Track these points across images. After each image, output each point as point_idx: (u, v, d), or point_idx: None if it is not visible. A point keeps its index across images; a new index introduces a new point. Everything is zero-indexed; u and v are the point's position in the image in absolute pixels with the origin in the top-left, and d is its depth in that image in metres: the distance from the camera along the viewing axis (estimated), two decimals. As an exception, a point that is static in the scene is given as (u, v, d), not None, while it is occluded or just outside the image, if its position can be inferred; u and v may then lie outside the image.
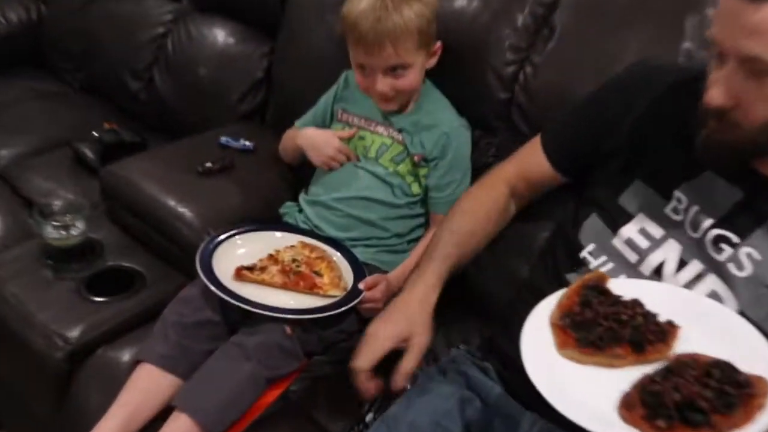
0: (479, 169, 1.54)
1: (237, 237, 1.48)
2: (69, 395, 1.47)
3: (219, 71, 2.02)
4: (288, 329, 1.33)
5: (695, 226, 1.09)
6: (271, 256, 1.43)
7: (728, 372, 0.91)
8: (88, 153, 1.91)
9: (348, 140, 1.55)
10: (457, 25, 1.51)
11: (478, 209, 1.33)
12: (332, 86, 1.64)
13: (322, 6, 1.79)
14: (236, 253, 1.44)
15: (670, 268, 1.10)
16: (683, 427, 0.87)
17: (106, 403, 1.32)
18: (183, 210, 1.60)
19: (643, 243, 1.12)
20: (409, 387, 1.16)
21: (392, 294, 1.42)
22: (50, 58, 2.45)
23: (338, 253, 1.48)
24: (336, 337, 1.42)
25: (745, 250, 1.05)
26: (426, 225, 1.56)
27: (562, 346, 0.98)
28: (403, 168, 1.50)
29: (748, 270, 1.05)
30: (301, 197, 1.61)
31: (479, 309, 1.46)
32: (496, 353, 1.22)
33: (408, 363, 1.17)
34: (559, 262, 1.20)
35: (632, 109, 1.18)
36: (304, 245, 1.48)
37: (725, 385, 0.89)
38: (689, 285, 1.08)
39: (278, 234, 1.51)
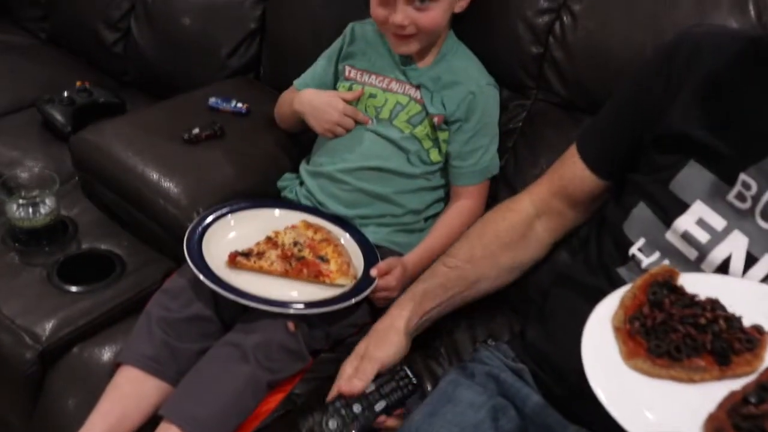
0: (506, 135, 1.51)
1: (230, 216, 1.42)
2: (41, 401, 1.41)
3: (206, 21, 1.94)
4: (291, 325, 1.27)
5: None
6: (269, 239, 1.37)
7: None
8: (58, 116, 1.84)
9: (356, 102, 1.45)
10: None
11: (486, 233, 1.27)
12: (336, 41, 1.53)
13: None
14: (229, 235, 1.39)
15: (737, 265, 1.03)
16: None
17: (84, 409, 1.27)
18: (168, 184, 1.51)
19: (703, 236, 1.05)
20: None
21: (408, 281, 1.37)
22: (12, 4, 2.36)
23: (346, 234, 1.42)
24: (345, 332, 1.37)
25: None
26: (446, 199, 1.49)
27: (630, 355, 0.90)
28: (420, 131, 1.42)
29: None
30: (302, 168, 1.53)
31: (507, 298, 1.39)
32: (530, 353, 1.17)
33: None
34: (605, 254, 1.14)
35: (680, 88, 1.11)
36: (307, 225, 1.41)
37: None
38: None
39: (277, 212, 1.45)
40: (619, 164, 1.18)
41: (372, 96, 1.44)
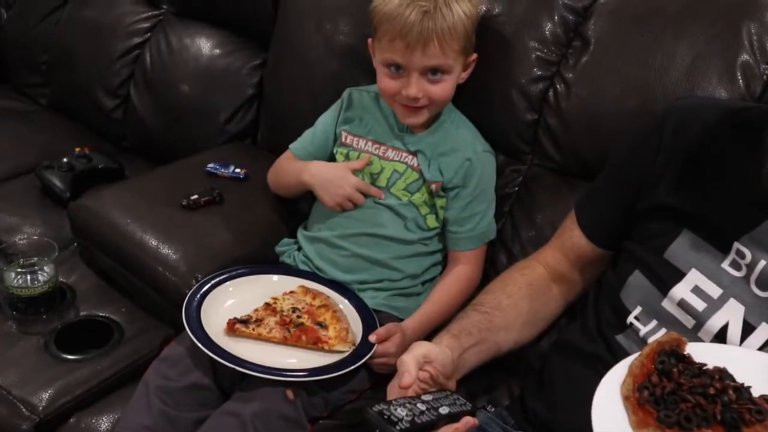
0: (503, 199, 1.51)
1: (228, 282, 1.42)
2: (38, 473, 1.38)
3: (204, 87, 1.96)
4: (290, 393, 1.26)
5: (764, 283, 1.02)
6: (267, 305, 1.37)
7: None
8: (57, 182, 1.84)
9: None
10: (477, 35, 1.42)
11: (507, 285, 1.26)
12: (333, 106, 1.55)
13: (320, 13, 1.72)
14: (228, 302, 1.39)
15: (734, 333, 1.03)
16: None
17: (81, 483, 1.25)
18: (166, 251, 1.51)
19: (699, 305, 1.06)
20: None
21: (407, 347, 1.32)
22: (13, 71, 2.39)
23: (345, 300, 1.42)
24: (344, 398, 1.35)
25: None
26: (443, 263, 1.49)
27: (640, 425, 0.89)
28: (418, 197, 1.43)
29: None
30: (300, 233, 1.53)
31: (505, 361, 1.36)
32: (531, 420, 1.17)
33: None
34: (603, 322, 1.14)
35: (668, 160, 1.12)
36: (306, 291, 1.41)
37: None
38: None
39: (275, 277, 1.45)
40: (616, 233, 1.19)
41: (369, 164, 1.44)
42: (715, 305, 1.04)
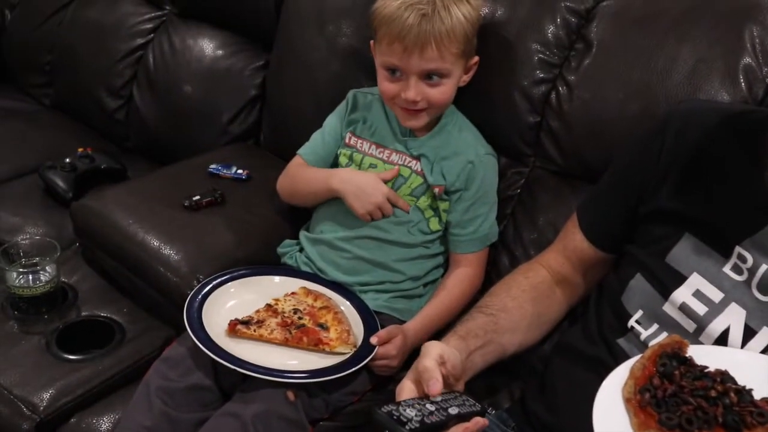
0: (505, 202, 1.51)
1: (230, 283, 1.42)
2: (39, 473, 1.38)
3: (207, 88, 1.96)
4: (290, 394, 1.26)
5: (765, 287, 1.02)
6: (269, 306, 1.37)
7: None
8: (60, 182, 1.83)
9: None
10: (479, 38, 1.42)
11: (511, 288, 1.25)
12: (338, 108, 1.55)
13: (323, 15, 1.73)
14: (229, 303, 1.39)
15: (735, 337, 1.04)
16: None
17: (81, 483, 1.27)
18: (168, 252, 1.51)
19: (701, 309, 1.06)
20: None
21: (409, 350, 1.38)
22: (17, 71, 2.38)
23: (346, 302, 1.42)
24: (345, 400, 1.35)
25: None
26: (444, 265, 1.49)
27: (642, 427, 0.90)
28: (423, 202, 1.43)
29: None
30: (302, 235, 1.53)
31: (506, 361, 1.35)
32: (532, 422, 1.17)
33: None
34: (604, 325, 1.14)
35: (671, 164, 1.13)
36: (307, 292, 1.41)
37: None
38: None
39: (276, 279, 1.45)
40: (618, 237, 1.19)
41: (372, 166, 1.45)
42: (716, 309, 1.04)
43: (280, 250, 1.52)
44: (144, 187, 1.72)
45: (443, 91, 1.36)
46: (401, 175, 1.43)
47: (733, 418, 0.88)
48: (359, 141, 1.48)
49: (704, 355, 0.98)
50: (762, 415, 0.88)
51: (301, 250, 1.51)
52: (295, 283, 1.42)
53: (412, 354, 1.41)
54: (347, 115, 1.51)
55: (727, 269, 1.04)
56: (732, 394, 0.90)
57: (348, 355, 1.30)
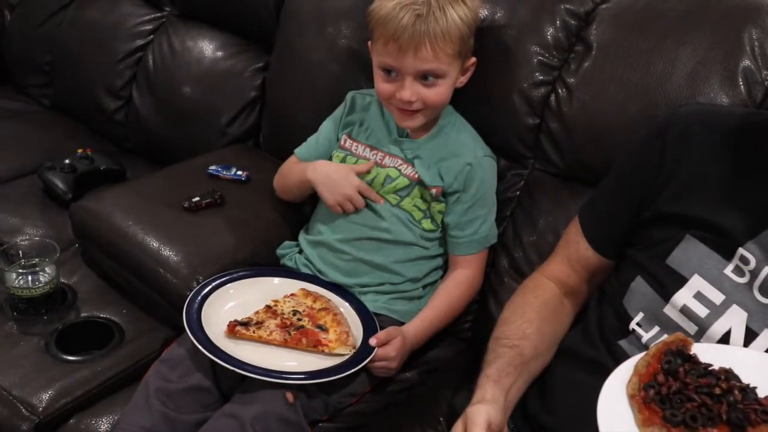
0: (504, 204, 1.52)
1: (229, 285, 1.43)
2: (37, 473, 1.37)
3: (207, 89, 1.96)
4: (289, 396, 1.26)
5: (767, 290, 1.02)
6: (268, 307, 1.38)
7: None
8: (59, 183, 1.84)
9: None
10: (479, 40, 1.43)
11: (526, 311, 1.22)
12: (337, 109, 1.56)
13: (322, 17, 1.73)
14: (229, 304, 1.39)
15: (737, 339, 1.04)
16: None
17: (80, 483, 1.26)
18: (167, 253, 1.51)
19: (702, 311, 1.06)
20: None
21: (408, 352, 1.38)
22: (16, 71, 2.39)
23: (346, 303, 1.43)
24: (344, 401, 1.36)
25: None
26: (444, 267, 1.50)
27: (646, 423, 0.91)
28: (407, 203, 1.44)
29: None
30: (302, 236, 1.54)
31: None
32: (531, 425, 1.17)
33: None
34: (606, 327, 1.14)
35: (674, 167, 1.13)
36: (306, 293, 1.42)
37: None
38: None
39: (276, 280, 1.46)
40: (621, 243, 1.19)
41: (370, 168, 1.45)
42: (717, 311, 1.04)
43: (279, 251, 1.53)
44: (143, 188, 1.72)
45: (439, 92, 1.36)
46: (389, 175, 1.43)
47: (737, 416, 0.88)
48: (354, 143, 1.48)
49: (709, 353, 0.98)
50: (766, 412, 0.88)
51: (301, 251, 1.52)
52: (295, 285, 1.43)
53: (411, 356, 1.42)
54: (344, 116, 1.52)
55: (728, 271, 1.05)
56: (736, 392, 0.91)
57: (347, 357, 1.30)
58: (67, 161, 1.86)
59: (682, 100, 1.29)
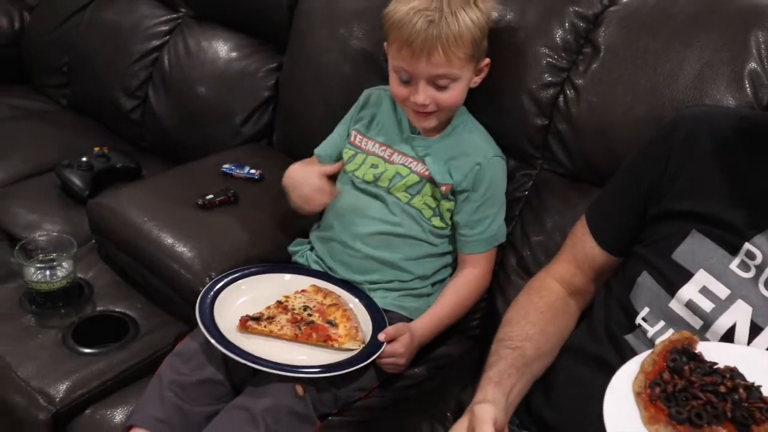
0: (513, 203, 1.53)
1: (241, 281, 1.44)
2: (55, 462, 1.40)
3: (221, 89, 1.98)
4: (299, 389, 1.28)
5: None
6: (279, 303, 1.39)
7: None
8: (76, 181, 1.87)
9: (357, 167, 1.49)
10: (489, 41, 1.43)
11: (529, 312, 1.23)
12: (352, 107, 1.57)
13: (335, 18, 1.75)
14: (241, 299, 1.41)
15: (741, 334, 1.04)
16: None
17: (95, 472, 1.30)
18: (181, 249, 1.53)
19: (707, 305, 1.07)
20: None
21: (416, 348, 1.39)
22: (34, 72, 2.43)
23: (355, 299, 1.44)
24: (353, 396, 1.37)
25: None
26: (453, 265, 1.51)
27: (652, 420, 0.92)
28: (418, 200, 1.45)
29: None
30: (313, 233, 1.55)
31: None
32: (535, 421, 1.17)
33: None
34: (612, 322, 1.15)
35: (681, 166, 1.14)
36: (317, 290, 1.43)
37: None
38: None
39: (287, 276, 1.47)
40: (628, 241, 1.20)
41: (374, 166, 1.47)
42: (722, 306, 1.05)
43: (291, 248, 1.54)
44: (158, 185, 1.74)
45: (452, 95, 1.37)
46: (398, 173, 1.44)
47: (741, 414, 0.89)
48: (364, 139, 1.50)
49: (714, 352, 0.99)
50: None
51: (312, 248, 1.52)
52: (306, 281, 1.44)
53: (420, 352, 1.43)
54: (357, 112, 1.54)
55: (733, 266, 1.05)
56: (741, 390, 0.91)
57: (356, 351, 1.32)
58: (84, 159, 1.88)
59: (689, 102, 1.31)
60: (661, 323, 1.09)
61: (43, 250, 1.56)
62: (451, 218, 1.45)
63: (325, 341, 1.32)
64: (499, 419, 1.04)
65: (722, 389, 0.91)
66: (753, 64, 1.29)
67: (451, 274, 1.49)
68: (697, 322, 1.06)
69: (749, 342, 1.02)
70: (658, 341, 1.03)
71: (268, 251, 1.55)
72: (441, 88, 1.36)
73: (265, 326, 1.32)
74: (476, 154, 1.43)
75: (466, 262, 1.46)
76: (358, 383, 1.34)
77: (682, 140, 1.14)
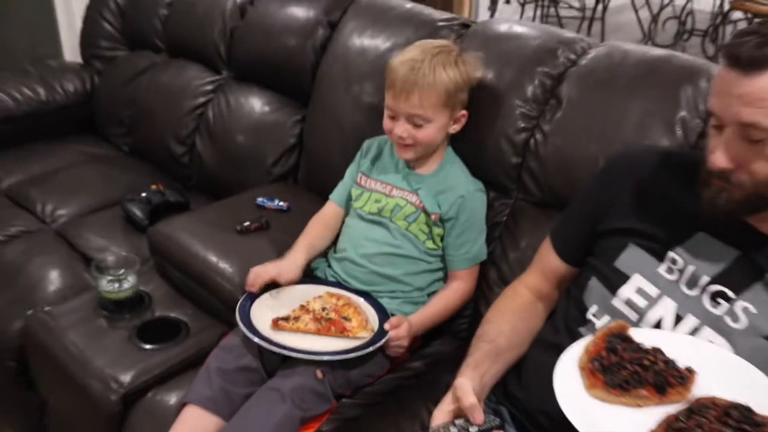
0: (493, 227, 1.61)
1: (273, 291, 1.55)
2: (122, 434, 1.50)
3: (255, 137, 2.05)
4: (319, 373, 1.40)
5: (692, 283, 1.12)
6: (302, 306, 1.50)
7: (745, 413, 0.94)
8: (137, 212, 1.96)
9: (365, 202, 1.60)
10: (473, 95, 1.54)
11: (504, 313, 1.31)
12: (356, 155, 1.69)
13: (349, 78, 1.86)
14: (271, 305, 1.51)
15: (667, 323, 1.13)
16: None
17: (155, 441, 1.37)
18: (224, 266, 1.64)
19: (641, 302, 1.16)
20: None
21: (413, 335, 1.50)
22: (103, 124, 2.50)
23: (362, 299, 1.55)
24: (363, 380, 1.48)
25: (740, 305, 1.09)
26: (444, 279, 1.61)
27: (591, 386, 1.02)
28: (415, 227, 1.54)
29: (743, 322, 1.08)
30: (330, 254, 1.66)
31: None
32: (509, 398, 1.27)
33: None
34: (570, 318, 1.24)
35: (619, 192, 1.22)
36: (331, 295, 1.54)
37: (744, 425, 0.93)
38: None
39: (308, 287, 1.56)
40: (583, 253, 1.29)
41: (377, 201, 1.57)
42: (653, 302, 1.14)
43: (312, 265, 1.63)
44: (204, 216, 1.84)
45: (427, 133, 1.46)
46: (397, 204, 1.53)
47: (659, 380, 1.00)
48: (369, 180, 1.60)
49: (642, 335, 1.08)
50: (682, 377, 1.01)
51: (329, 265, 1.62)
52: (322, 289, 1.54)
53: (418, 349, 1.57)
54: (360, 159, 1.65)
55: (661, 270, 1.14)
56: (661, 363, 1.02)
57: (367, 339, 1.42)
58: (143, 195, 1.98)
59: (632, 143, 1.40)
60: (607, 317, 1.18)
61: (113, 267, 1.65)
62: (441, 241, 1.55)
63: (342, 332, 1.43)
64: (477, 394, 1.11)
65: (646, 362, 1.02)
66: (683, 112, 1.40)
67: (442, 287, 1.58)
68: (634, 316, 1.15)
69: (674, 328, 1.12)
70: (599, 331, 1.11)
71: (294, 268, 1.55)
72: (417, 126, 1.46)
73: (292, 324, 1.44)
74: (460, 188, 1.52)
75: (454, 276, 1.56)
76: (368, 369, 1.45)
77: (621, 172, 1.24)
